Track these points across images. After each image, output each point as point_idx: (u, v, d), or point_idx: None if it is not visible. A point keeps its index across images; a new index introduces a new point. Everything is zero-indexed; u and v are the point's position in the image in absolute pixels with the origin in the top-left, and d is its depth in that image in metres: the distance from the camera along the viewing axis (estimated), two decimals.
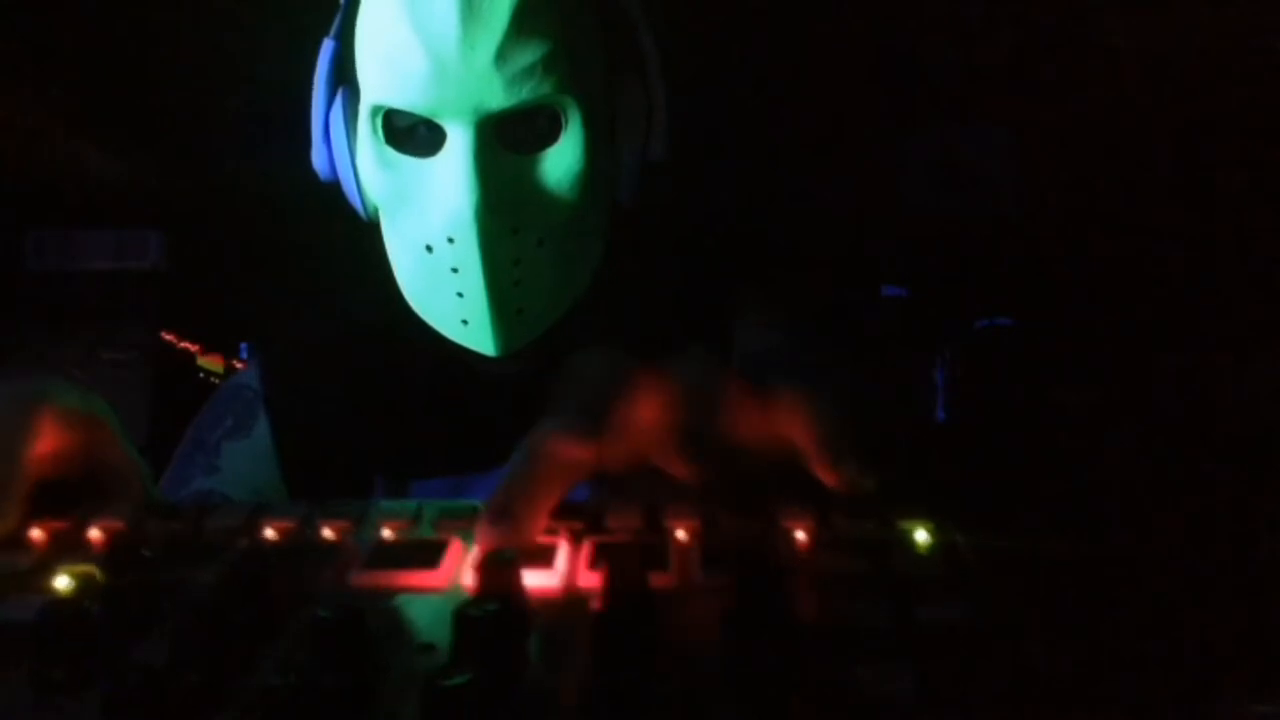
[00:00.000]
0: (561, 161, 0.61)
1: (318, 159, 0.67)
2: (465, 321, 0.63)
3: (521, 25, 0.58)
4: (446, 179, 0.59)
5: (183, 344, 2.74)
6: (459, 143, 0.59)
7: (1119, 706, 0.26)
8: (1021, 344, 2.52)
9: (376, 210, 0.67)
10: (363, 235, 0.70)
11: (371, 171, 0.63)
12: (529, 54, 0.59)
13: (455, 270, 0.61)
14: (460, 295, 0.61)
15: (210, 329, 2.83)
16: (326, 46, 0.66)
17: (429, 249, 0.61)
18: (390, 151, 0.62)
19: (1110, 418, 2.24)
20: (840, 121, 2.41)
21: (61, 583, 0.28)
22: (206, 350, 2.83)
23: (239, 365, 2.93)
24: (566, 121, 0.61)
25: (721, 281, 0.80)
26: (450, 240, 0.60)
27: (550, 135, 0.61)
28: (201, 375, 2.81)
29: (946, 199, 2.50)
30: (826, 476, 0.33)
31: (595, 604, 0.26)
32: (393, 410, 0.71)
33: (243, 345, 2.99)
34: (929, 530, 0.30)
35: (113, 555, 0.31)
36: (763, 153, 2.50)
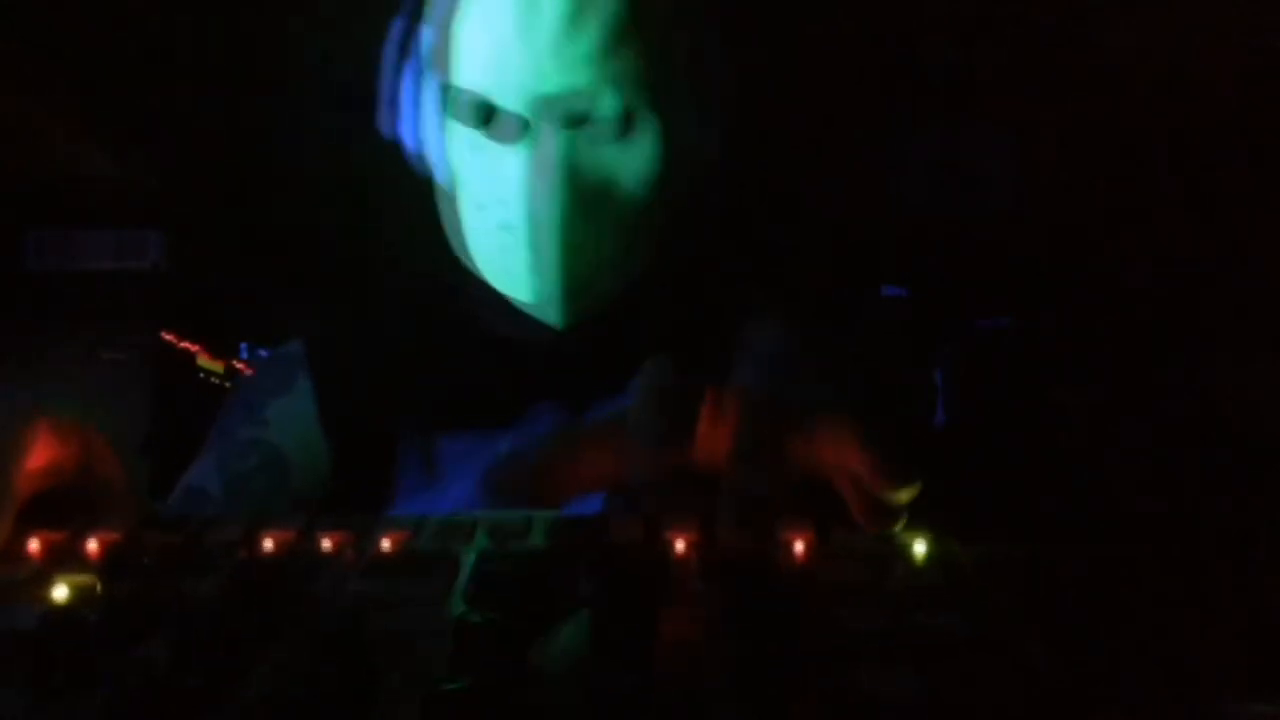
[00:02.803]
0: (633, 154, 0.64)
1: (385, 124, 0.71)
2: (536, 289, 0.66)
3: (588, 15, 0.61)
4: (530, 157, 0.62)
5: (183, 344, 2.74)
6: (540, 128, 0.62)
7: (1119, 707, 0.26)
8: (1021, 344, 2.52)
9: (452, 182, 0.70)
10: (408, 202, 0.73)
11: (438, 144, 0.67)
12: (605, 45, 0.61)
13: (530, 248, 0.64)
14: (531, 270, 0.65)
15: (210, 329, 2.83)
16: (396, 25, 0.70)
17: (503, 228, 0.65)
18: (457, 126, 0.66)
19: (1110, 418, 2.24)
20: (840, 121, 2.41)
21: (60, 593, 0.28)
22: (207, 350, 2.82)
23: (239, 365, 2.93)
24: (639, 116, 0.64)
25: (731, 281, 0.83)
26: (529, 218, 0.63)
27: (623, 127, 0.64)
28: (202, 375, 2.81)
29: (946, 199, 2.50)
30: (882, 491, 0.34)
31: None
32: (426, 370, 0.75)
33: (243, 345, 2.99)
34: (927, 541, 0.31)
35: (111, 565, 0.31)
36: (761, 154, 2.50)
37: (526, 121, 0.62)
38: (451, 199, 0.70)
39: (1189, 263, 2.33)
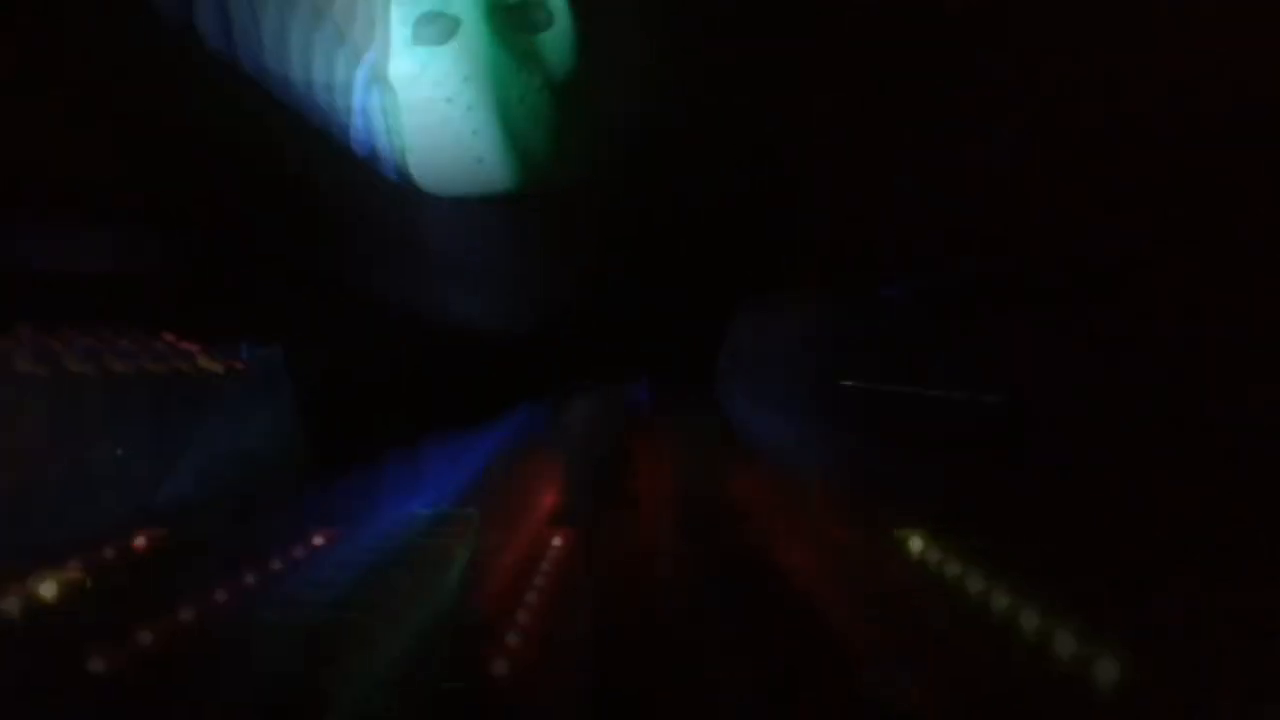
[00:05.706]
0: (553, 43, 0.71)
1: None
2: (480, 159, 0.72)
3: None
4: (463, 42, 0.69)
5: (183, 344, 2.74)
6: (471, 19, 0.69)
7: (1120, 707, 0.26)
8: (1020, 343, 2.52)
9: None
10: (389, 210, 0.77)
11: (407, 68, 0.73)
12: None
13: (470, 109, 0.70)
14: (474, 133, 0.72)
15: (210, 329, 2.83)
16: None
17: (449, 101, 0.71)
18: (421, 49, 0.72)
19: (1109, 418, 2.25)
20: (841, 120, 2.41)
21: (49, 589, 0.28)
22: (207, 351, 2.82)
23: (239, 365, 2.93)
24: (556, 16, 0.71)
25: (722, 274, 0.86)
26: (466, 79, 0.70)
27: (545, 26, 0.72)
28: (201, 375, 2.81)
29: (946, 199, 2.50)
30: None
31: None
32: (408, 373, 0.77)
33: (243, 345, 2.99)
34: (924, 538, 0.30)
35: (101, 563, 0.31)
36: (761, 152, 2.50)
37: (459, 19, 0.71)
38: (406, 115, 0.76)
39: (1189, 263, 2.33)
